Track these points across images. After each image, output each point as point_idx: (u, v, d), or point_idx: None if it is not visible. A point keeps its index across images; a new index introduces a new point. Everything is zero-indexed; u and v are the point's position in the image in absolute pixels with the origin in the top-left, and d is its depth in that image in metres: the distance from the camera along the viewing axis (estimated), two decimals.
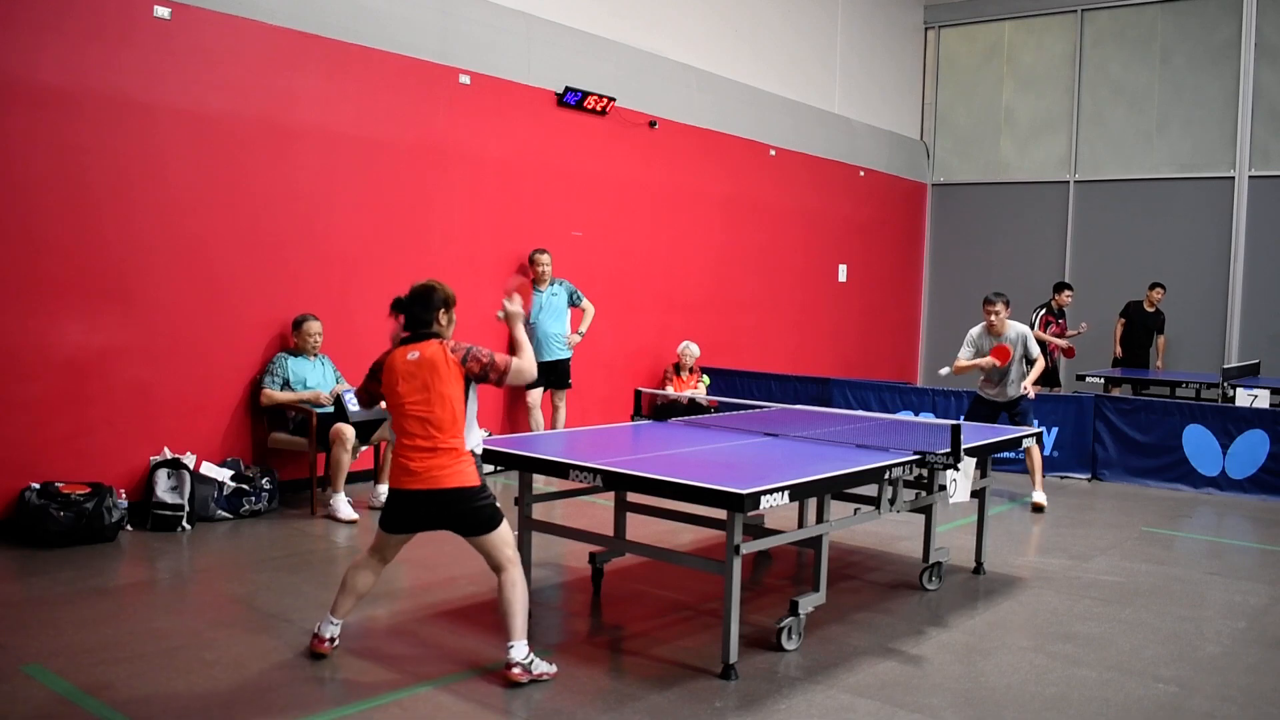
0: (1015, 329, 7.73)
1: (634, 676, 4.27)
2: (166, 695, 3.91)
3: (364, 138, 7.81)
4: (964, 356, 7.82)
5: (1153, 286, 12.34)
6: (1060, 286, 11.77)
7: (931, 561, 5.62)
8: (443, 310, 4.22)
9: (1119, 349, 12.43)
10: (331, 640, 4.34)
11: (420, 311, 4.19)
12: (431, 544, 6.26)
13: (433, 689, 4.04)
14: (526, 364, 4.20)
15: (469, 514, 4.11)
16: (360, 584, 4.34)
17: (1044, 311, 11.51)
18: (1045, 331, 11.38)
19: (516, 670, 4.05)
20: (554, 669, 4.16)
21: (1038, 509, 7.81)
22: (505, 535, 4.17)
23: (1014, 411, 7.84)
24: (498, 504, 4.20)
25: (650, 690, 4.09)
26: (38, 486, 6.02)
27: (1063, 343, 11.42)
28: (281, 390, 7.10)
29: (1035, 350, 7.74)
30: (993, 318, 7.66)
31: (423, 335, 4.18)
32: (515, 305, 4.33)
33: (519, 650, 4.07)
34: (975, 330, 7.87)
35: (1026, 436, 6.34)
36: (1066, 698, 4.14)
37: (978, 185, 14.97)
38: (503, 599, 4.14)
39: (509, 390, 9.04)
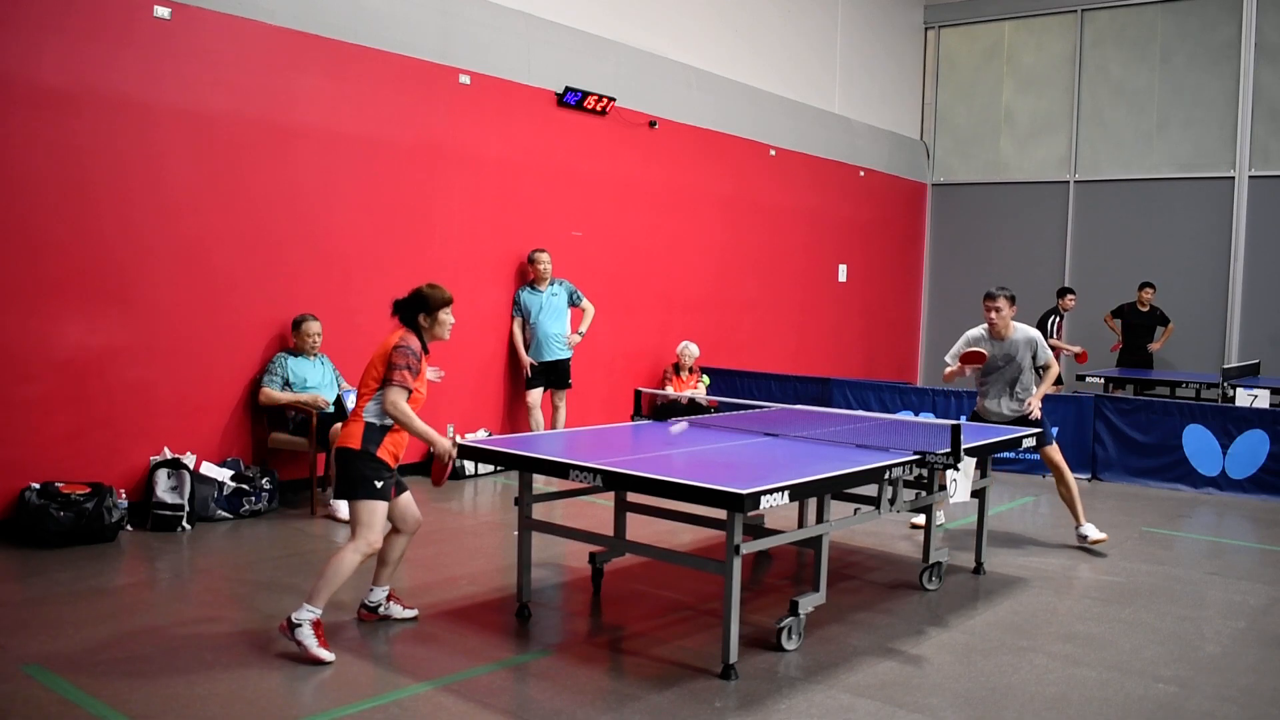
0: (1022, 333, 6.66)
1: (634, 676, 4.27)
2: (166, 695, 3.91)
3: (364, 138, 7.81)
4: (950, 355, 6.78)
5: (1143, 286, 12.23)
6: (1064, 291, 11.84)
7: (931, 561, 5.62)
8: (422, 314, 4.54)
9: (1120, 338, 12.42)
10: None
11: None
12: (431, 544, 6.28)
13: (433, 689, 4.04)
14: (412, 427, 4.43)
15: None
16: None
17: (1056, 318, 11.64)
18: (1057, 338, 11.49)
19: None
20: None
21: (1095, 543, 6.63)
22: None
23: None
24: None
25: (650, 690, 4.09)
26: (38, 486, 6.02)
27: (1076, 348, 11.50)
28: (282, 390, 7.10)
29: (1047, 355, 6.68)
30: (993, 315, 6.56)
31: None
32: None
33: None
34: (974, 332, 6.76)
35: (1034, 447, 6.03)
36: (1066, 698, 4.14)
37: (978, 185, 14.97)
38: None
39: (509, 390, 9.05)
